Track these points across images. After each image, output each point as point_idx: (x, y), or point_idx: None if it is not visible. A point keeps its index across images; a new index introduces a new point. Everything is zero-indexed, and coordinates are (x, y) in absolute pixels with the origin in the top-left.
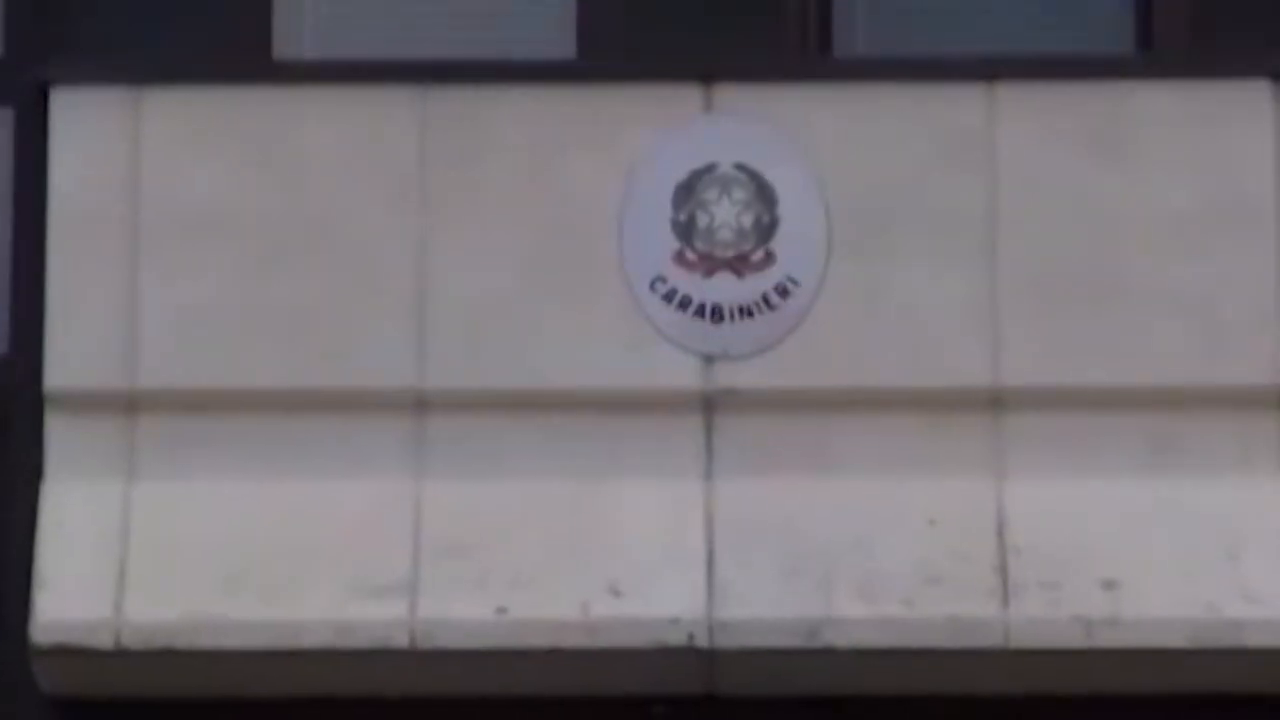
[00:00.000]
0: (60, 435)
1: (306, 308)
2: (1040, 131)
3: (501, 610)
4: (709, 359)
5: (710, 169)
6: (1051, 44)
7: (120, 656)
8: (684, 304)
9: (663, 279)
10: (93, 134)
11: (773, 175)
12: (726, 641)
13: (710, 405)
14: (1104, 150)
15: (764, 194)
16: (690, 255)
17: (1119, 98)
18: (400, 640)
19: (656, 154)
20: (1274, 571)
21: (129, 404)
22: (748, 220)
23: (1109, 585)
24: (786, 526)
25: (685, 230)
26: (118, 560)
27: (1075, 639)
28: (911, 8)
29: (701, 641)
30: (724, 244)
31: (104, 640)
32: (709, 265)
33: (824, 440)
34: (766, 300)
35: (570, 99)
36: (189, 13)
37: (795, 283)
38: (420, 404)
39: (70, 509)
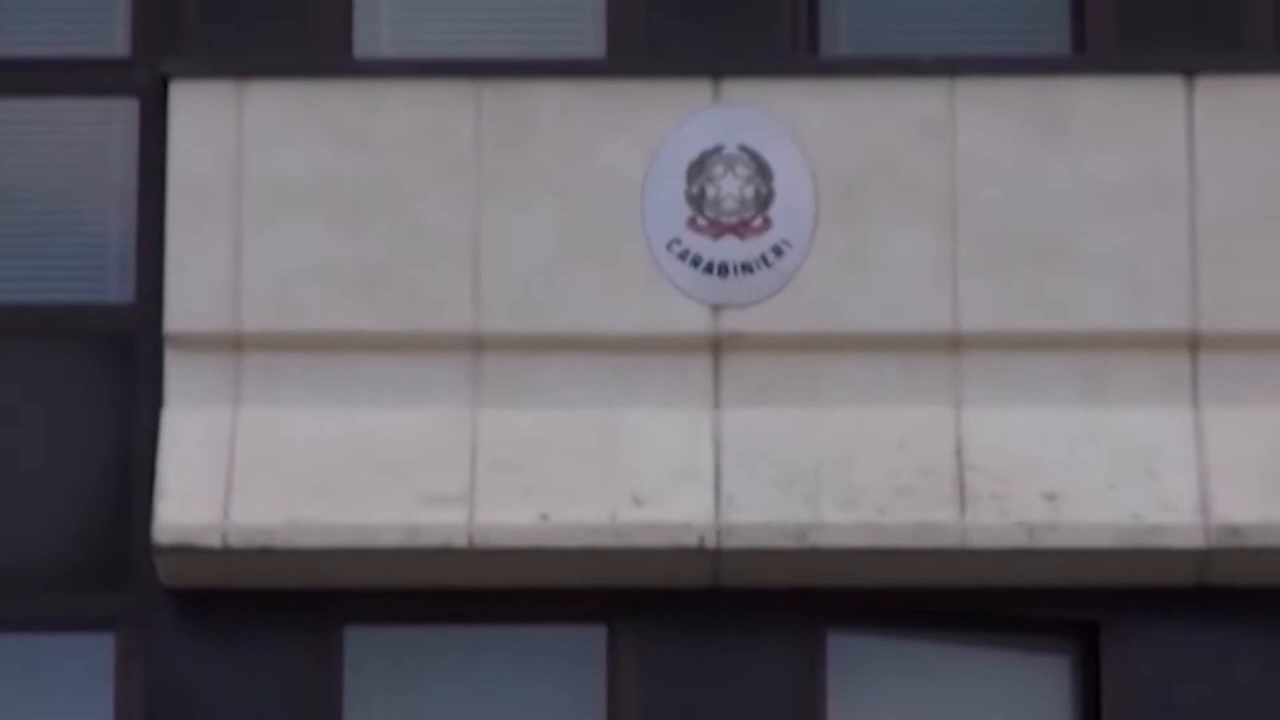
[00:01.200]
0: (177, 370)
1: (380, 263)
2: (993, 119)
3: (544, 516)
4: (716, 308)
5: (718, 150)
6: (1002, 46)
7: (226, 554)
8: (695, 262)
9: (678, 241)
10: (204, 119)
11: (770, 155)
12: (730, 543)
13: (717, 347)
14: (1046, 134)
15: (762, 171)
16: (701, 221)
17: (1058, 91)
18: (460, 541)
19: (673, 137)
20: (1187, 485)
21: (234, 344)
22: (749, 192)
23: (1049, 497)
24: (780, 448)
25: (697, 201)
26: (225, 474)
27: (1020, 540)
28: (886, 14)
29: (709, 543)
30: (729, 212)
31: (213, 540)
32: (716, 230)
33: (812, 376)
34: (764, 259)
35: (601, 92)
36: (283, 17)
37: (788, 244)
38: (476, 345)
39: (185, 432)
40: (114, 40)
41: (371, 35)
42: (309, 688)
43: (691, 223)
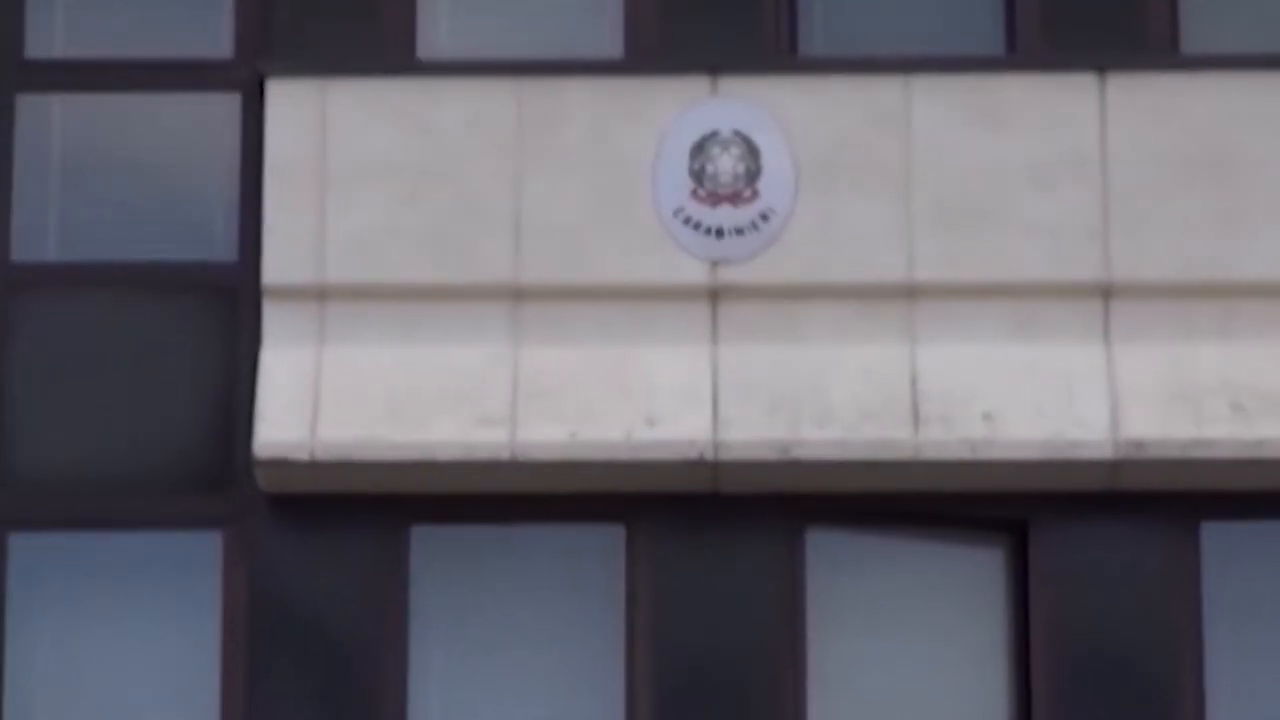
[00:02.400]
0: (272, 316)
1: (438, 227)
2: (941, 108)
3: (573, 434)
4: (714, 264)
5: (715, 134)
6: (948, 47)
7: (313, 466)
8: (696, 226)
9: (682, 209)
10: (293, 110)
11: (758, 138)
12: (725, 456)
13: (715, 295)
14: (984, 120)
15: (752, 151)
16: (701, 193)
17: (994, 84)
18: (504, 455)
19: (678, 124)
20: (1100, 408)
21: (319, 294)
22: (740, 169)
23: (987, 417)
24: (767, 378)
25: (698, 176)
26: (311, 400)
27: (963, 454)
28: (853, 20)
29: (708, 456)
30: (724, 185)
31: (302, 455)
32: (714, 200)
33: (793, 319)
34: (754, 224)
35: (619, 87)
36: (358, 23)
37: (773, 211)
38: (516, 294)
39: (279, 366)
40: (220, 46)
41: (432, 39)
42: (380, 576)
43: (693, 194)
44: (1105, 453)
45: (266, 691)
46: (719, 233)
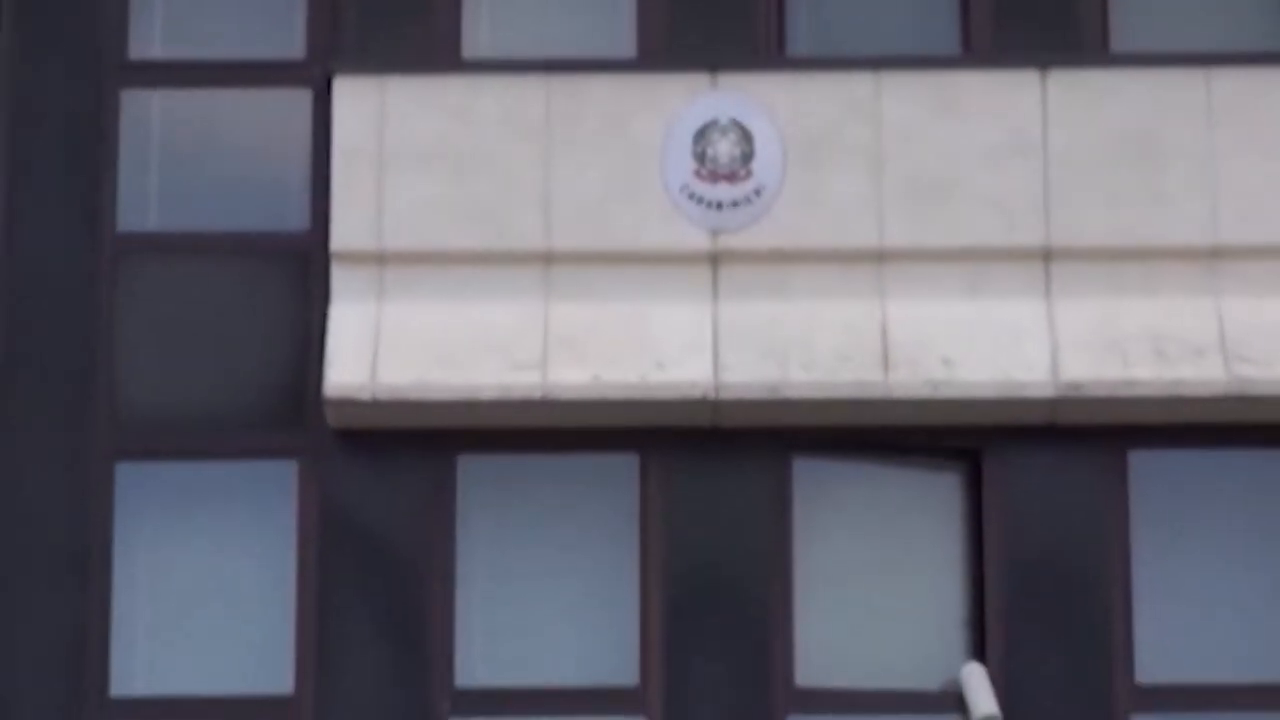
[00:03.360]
0: (339, 277)
1: (480, 201)
2: (907, 99)
3: (595, 377)
4: (715, 232)
5: (714, 122)
6: (912, 46)
7: (374, 405)
8: (699, 200)
9: (687, 186)
10: (356, 103)
11: (751, 125)
12: (724, 395)
13: (715, 259)
14: (943, 109)
15: (746, 137)
16: (703, 172)
17: (952, 79)
18: (536, 395)
19: (683, 113)
20: (1042, 354)
21: (379, 259)
22: (736, 152)
23: (946, 362)
24: (760, 329)
25: (700, 158)
26: (372, 349)
27: (926, 393)
28: (832, 23)
29: (710, 396)
30: (723, 166)
31: (365, 395)
32: (714, 178)
33: (782, 280)
34: (748, 198)
35: (633, 82)
36: (411, 28)
37: (765, 188)
38: (547, 259)
39: (346, 320)
40: (294, 48)
41: (474, 41)
42: (431, 499)
43: (696, 173)
44: (1047, 392)
45: (333, 598)
46: (718, 206)
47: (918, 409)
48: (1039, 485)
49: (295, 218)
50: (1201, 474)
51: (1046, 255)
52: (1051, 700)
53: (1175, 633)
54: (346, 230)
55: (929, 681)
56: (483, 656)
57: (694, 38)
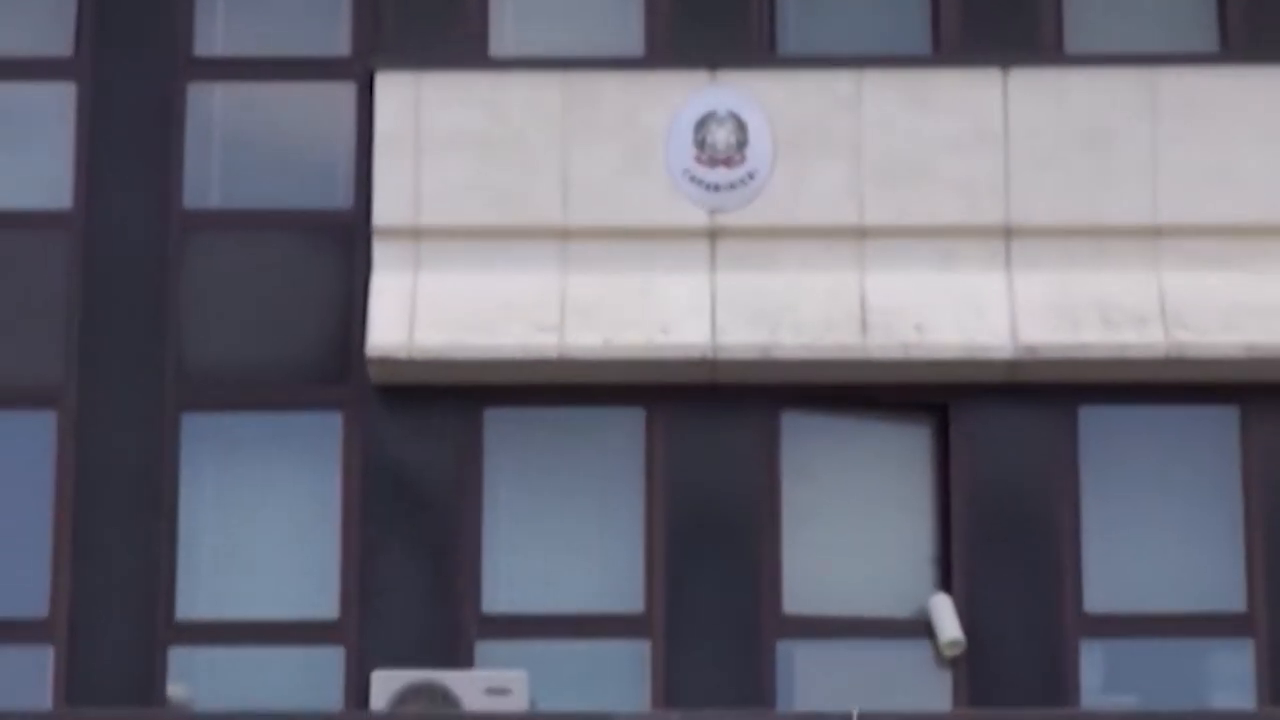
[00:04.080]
0: (380, 249)
1: (504, 182)
2: (884, 93)
3: (606, 339)
4: (713, 212)
5: (713, 113)
6: (889, 47)
7: (411, 363)
8: (699, 183)
9: (688, 170)
10: (395, 95)
11: (745, 116)
12: (721, 356)
13: (713, 235)
14: (916, 104)
15: (741, 126)
16: (703, 158)
17: (923, 76)
18: (554, 355)
19: (685, 105)
20: (1003, 320)
21: (415, 233)
22: (732, 140)
23: (918, 327)
24: (752, 297)
25: (700, 145)
26: (409, 313)
27: (900, 355)
28: (817, 25)
29: (709, 356)
30: (720, 152)
31: (402, 354)
32: (712, 162)
33: (773, 254)
34: (742, 181)
35: (641, 77)
36: (444, 28)
37: (757, 172)
38: (564, 234)
39: (387, 287)
40: (340, 47)
41: (499, 40)
42: (462, 446)
43: (696, 158)
44: (1006, 354)
45: (374, 533)
46: (716, 188)
47: (892, 368)
48: (999, 436)
49: (341, 197)
50: (1143, 427)
51: (1007, 233)
52: (1009, 627)
53: (1119, 567)
54: (386, 208)
55: (901, 609)
56: (506, 586)
57: (695, 39)
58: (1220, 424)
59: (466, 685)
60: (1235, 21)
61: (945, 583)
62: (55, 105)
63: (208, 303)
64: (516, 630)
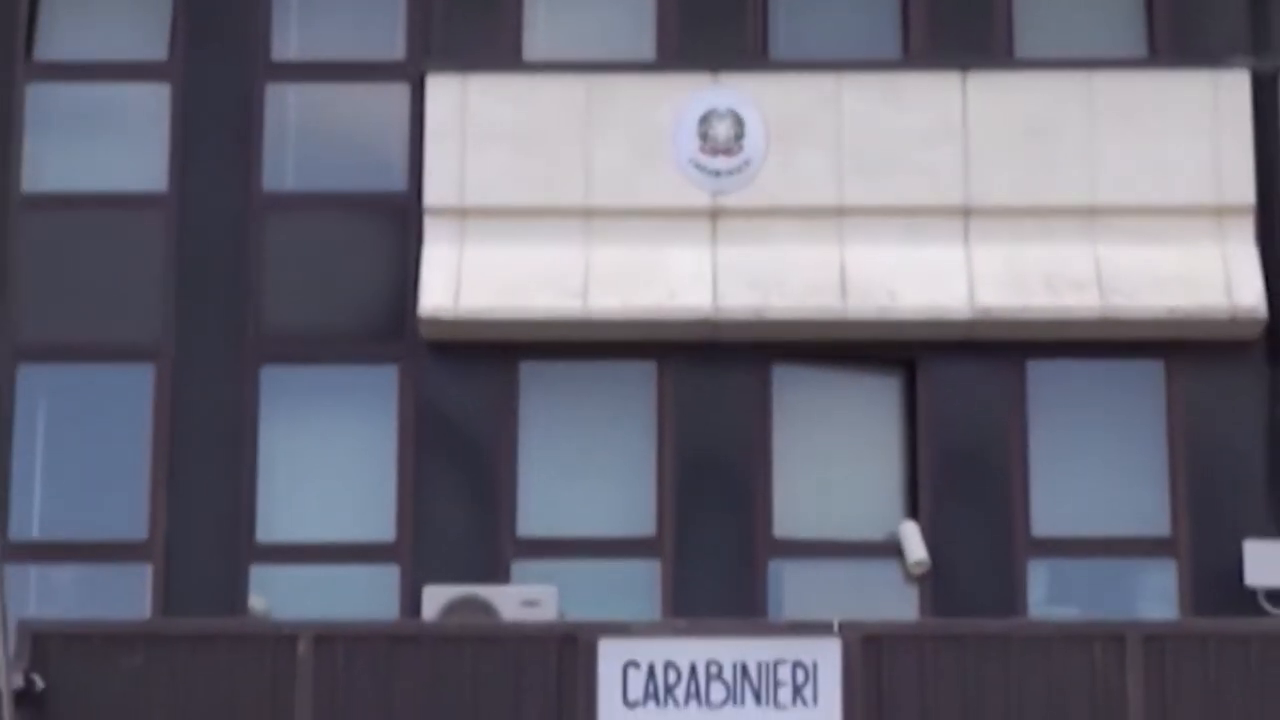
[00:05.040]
0: (431, 227)
1: (535, 167)
2: (861, 92)
3: (624, 303)
4: (714, 194)
5: (714, 110)
6: (865, 51)
7: (457, 323)
8: (702, 169)
9: (693, 158)
10: (444, 94)
11: (742, 113)
12: (722, 317)
13: (714, 214)
14: (889, 102)
15: (738, 121)
16: (705, 148)
17: (894, 78)
18: (578, 315)
19: (690, 103)
20: (956, 285)
21: (460, 213)
22: (731, 133)
23: (890, 293)
24: (747, 267)
25: (703, 137)
26: (455, 280)
27: (875, 315)
28: (803, 33)
29: (711, 318)
30: (721, 143)
31: (449, 315)
32: (714, 152)
33: (765, 230)
34: (740, 168)
35: (653, 80)
36: (484, 34)
37: (753, 160)
38: (587, 213)
39: (436, 258)
40: (396, 51)
41: (533, 46)
42: (500, 395)
43: (700, 149)
44: (965, 315)
45: (425, 469)
46: (717, 174)
47: (867, 328)
48: (959, 386)
49: (396, 181)
50: (1082, 378)
51: (966, 212)
52: (968, 549)
53: (1062, 498)
54: (436, 191)
55: (875, 534)
56: (538, 513)
57: (699, 46)
58: (1148, 375)
59: (504, 598)
60: (1162, 31)
61: (913, 511)
62: (152, 103)
63: (283, 272)
64: (547, 551)
